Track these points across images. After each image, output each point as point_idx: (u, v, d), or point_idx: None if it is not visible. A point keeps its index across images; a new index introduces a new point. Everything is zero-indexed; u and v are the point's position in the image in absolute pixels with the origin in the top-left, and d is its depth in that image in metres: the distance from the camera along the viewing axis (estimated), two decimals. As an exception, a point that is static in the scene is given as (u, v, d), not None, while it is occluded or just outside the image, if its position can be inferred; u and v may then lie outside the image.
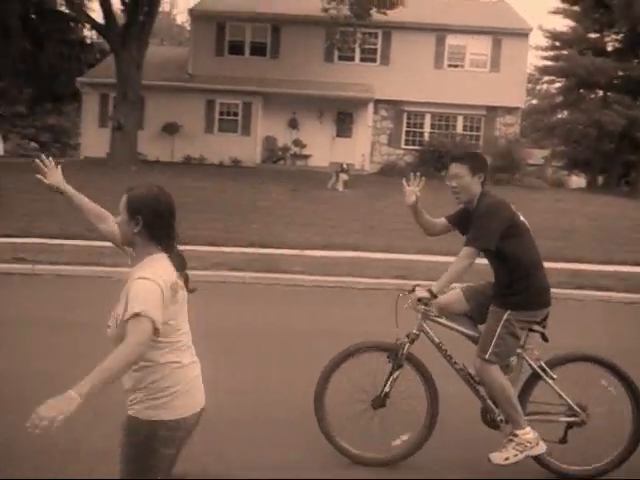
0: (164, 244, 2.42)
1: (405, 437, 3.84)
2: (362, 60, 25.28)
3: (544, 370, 3.70)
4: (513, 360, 3.72)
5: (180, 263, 2.43)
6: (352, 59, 25.19)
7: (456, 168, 3.68)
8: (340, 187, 19.78)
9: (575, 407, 3.71)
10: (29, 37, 27.77)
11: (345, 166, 20.45)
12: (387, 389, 3.76)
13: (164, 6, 35.18)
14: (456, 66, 25.29)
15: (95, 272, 9.47)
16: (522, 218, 3.65)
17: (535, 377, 3.73)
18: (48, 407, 1.93)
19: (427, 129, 25.60)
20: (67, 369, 4.35)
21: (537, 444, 3.62)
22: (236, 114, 25.07)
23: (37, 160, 2.89)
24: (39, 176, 2.87)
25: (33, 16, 28.10)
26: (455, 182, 3.68)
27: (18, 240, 10.82)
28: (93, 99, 25.47)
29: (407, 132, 25.75)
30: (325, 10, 21.14)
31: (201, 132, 24.87)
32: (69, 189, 2.88)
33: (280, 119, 24.99)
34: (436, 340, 3.79)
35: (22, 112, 37.27)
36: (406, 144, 25.69)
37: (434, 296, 3.60)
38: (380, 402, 3.78)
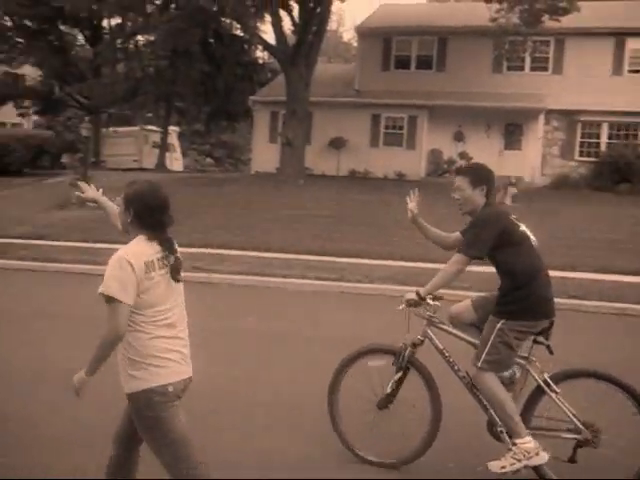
0: (153, 231, 2.79)
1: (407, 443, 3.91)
2: (532, 69, 24.39)
3: (548, 384, 3.63)
4: (516, 373, 3.72)
5: (168, 247, 2.79)
6: (522, 69, 24.39)
7: (458, 181, 3.80)
8: (508, 201, 19.16)
9: (578, 424, 3.57)
10: (208, 60, 30.06)
11: (513, 180, 19.80)
12: (388, 390, 3.88)
13: (331, 24, 36.35)
14: (637, 71, 23.56)
15: (264, 282, 10.02)
16: (523, 228, 3.70)
17: (540, 391, 3.67)
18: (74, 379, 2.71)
19: (604, 139, 24.06)
20: (249, 374, 4.67)
21: (537, 454, 3.53)
22: (401, 128, 25.27)
23: (77, 183, 3.85)
24: (77, 193, 3.61)
25: (211, 41, 30.34)
26: (458, 194, 3.79)
27: (196, 250, 11.74)
28: (264, 116, 26.94)
29: (581, 143, 24.37)
30: (493, 20, 20.69)
31: (366, 146, 25.35)
32: (103, 200, 3.54)
33: (446, 132, 24.80)
34: (440, 346, 3.85)
35: (200, 130, 40.34)
36: (580, 155, 24.33)
37: (421, 298, 3.71)
38: (384, 403, 3.91)
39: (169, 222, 2.87)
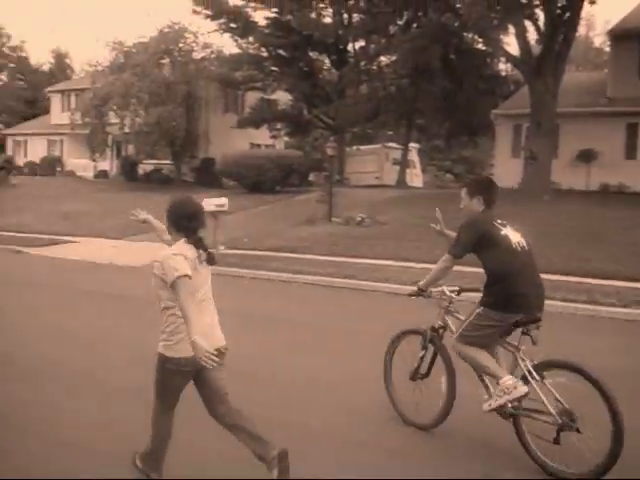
0: (186, 235, 3.59)
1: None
2: None
3: (530, 372, 4.15)
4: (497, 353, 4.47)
5: (201, 246, 3.61)
6: None
7: (462, 192, 4.54)
8: None
9: (552, 410, 3.99)
10: (449, 76, 30.24)
11: None
12: (415, 365, 4.89)
13: (580, 30, 34.31)
14: None
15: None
16: (504, 233, 4.26)
17: (525, 378, 4.16)
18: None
19: None
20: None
21: (515, 388, 4.11)
22: (662, 137, 22.96)
23: (134, 213, 4.69)
24: (133, 217, 4.66)
25: (452, 57, 30.47)
26: (462, 204, 4.53)
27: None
28: (506, 130, 26.34)
29: None
30: None
31: (621, 158, 23.46)
32: (151, 219, 4.53)
33: None
34: (454, 330, 4.62)
35: (439, 146, 40.62)
36: None
37: (421, 290, 4.64)
38: (412, 375, 4.91)
39: (198, 226, 3.67)
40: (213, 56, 32.84)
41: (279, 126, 35.93)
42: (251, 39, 32.88)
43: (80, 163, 37.82)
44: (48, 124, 42.38)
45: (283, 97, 35.88)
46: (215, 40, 34.02)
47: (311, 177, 30.91)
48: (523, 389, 4.12)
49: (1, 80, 76.17)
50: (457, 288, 4.85)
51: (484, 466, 4.23)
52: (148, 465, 3.85)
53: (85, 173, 37.08)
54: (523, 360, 4.25)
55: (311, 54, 34.03)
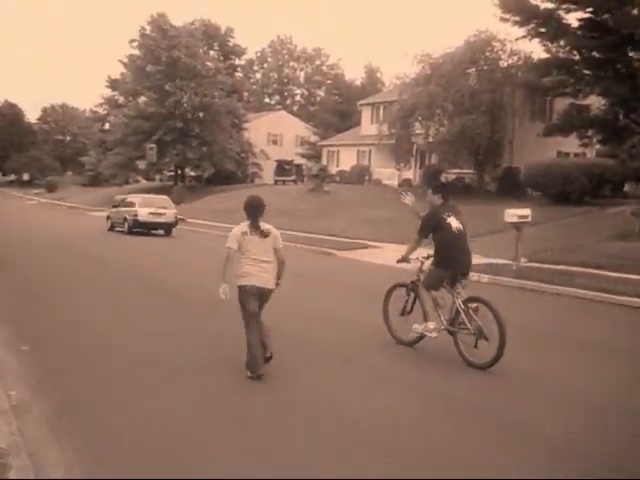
0: (248, 218, 6.42)
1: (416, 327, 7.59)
2: None
3: (460, 305, 7.08)
4: (442, 298, 7.38)
5: (255, 226, 6.41)
6: None
7: (427, 191, 7.70)
8: None
9: (471, 328, 6.94)
10: None
11: None
12: (402, 305, 7.84)
13: None
14: None
15: None
16: (449, 221, 7.20)
17: (457, 309, 7.11)
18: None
19: None
20: None
21: (431, 331, 7.28)
22: None
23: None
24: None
25: None
26: (427, 198, 7.64)
27: None
28: None
29: None
30: None
31: None
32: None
33: None
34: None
35: None
36: None
37: (404, 258, 7.63)
38: (401, 312, 7.82)
39: (256, 214, 6.53)
40: (520, 63, 32.40)
41: (590, 133, 33.94)
42: (562, 42, 31.67)
43: (386, 172, 40.27)
44: (358, 135, 45.92)
45: (595, 102, 33.85)
46: (523, 46, 33.24)
47: (627, 188, 28.67)
48: (434, 335, 7.33)
49: (319, 95, 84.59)
50: (426, 255, 7.65)
51: (437, 366, 7.16)
52: (252, 369, 6.32)
53: (390, 182, 39.36)
54: (457, 298, 7.18)
55: (631, 54, 31.51)
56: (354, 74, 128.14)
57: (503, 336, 6.58)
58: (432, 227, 7.32)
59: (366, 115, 45.94)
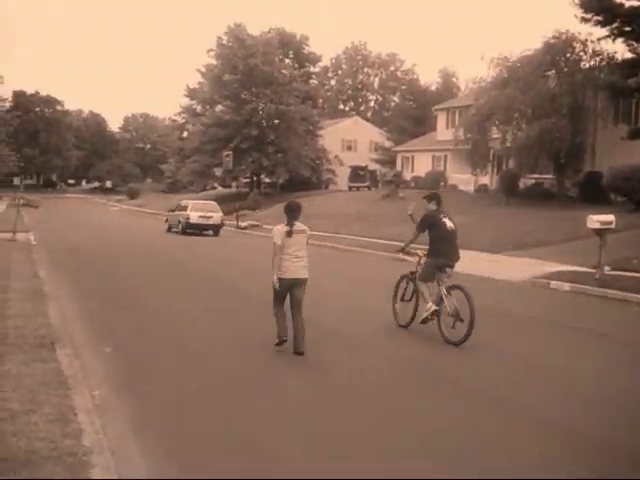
0: (287, 218, 7.79)
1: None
2: None
3: (444, 291, 8.65)
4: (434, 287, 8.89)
5: (291, 226, 7.76)
6: None
7: (425, 200, 9.27)
8: None
9: (450, 310, 8.49)
10: None
11: None
12: (402, 293, 9.56)
13: None
14: None
15: None
16: (444, 220, 8.84)
17: (441, 295, 8.71)
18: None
19: None
20: None
21: (429, 308, 8.76)
22: None
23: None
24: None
25: None
26: (427, 206, 9.19)
27: None
28: None
29: None
30: None
31: None
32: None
33: None
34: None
35: None
36: None
37: (403, 249, 9.29)
38: (402, 299, 9.54)
39: (294, 217, 7.83)
40: (603, 64, 31.33)
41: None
42: (648, 41, 30.44)
43: (462, 178, 39.72)
44: (433, 141, 45.52)
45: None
46: (605, 46, 32.10)
47: None
48: (433, 308, 8.74)
49: (393, 101, 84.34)
50: (426, 251, 9.09)
51: (422, 344, 8.67)
52: (280, 333, 7.79)
53: (466, 187, 38.80)
54: (442, 285, 8.74)
55: None
56: (429, 79, 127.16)
57: (472, 315, 8.13)
58: (428, 225, 8.99)
59: (441, 120, 45.49)
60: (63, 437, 4.65)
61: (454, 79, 63.68)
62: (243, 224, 35.01)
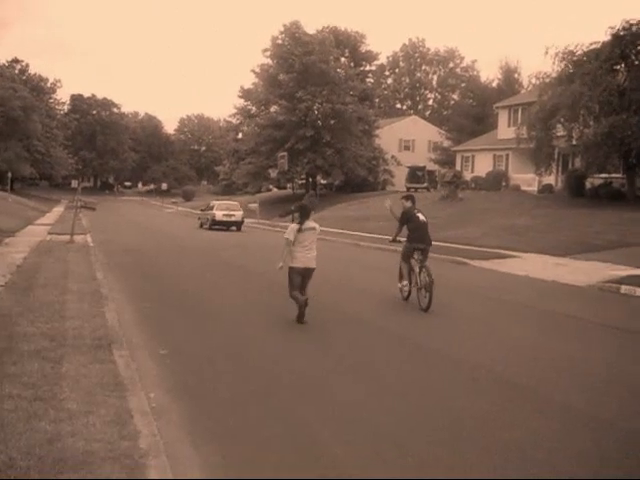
0: (301, 219, 9.59)
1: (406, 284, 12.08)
2: None
3: (418, 268, 11.41)
4: (414, 266, 11.68)
5: (302, 224, 9.55)
6: None
7: (404, 200, 12.41)
8: None
9: (421, 284, 11.22)
10: None
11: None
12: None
13: None
14: None
15: None
16: (417, 214, 11.84)
17: (416, 271, 11.51)
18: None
19: None
20: None
21: (402, 287, 11.97)
22: None
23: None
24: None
25: None
26: (403, 204, 12.22)
27: None
28: None
29: None
30: None
31: None
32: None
33: None
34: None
35: None
36: None
37: (394, 239, 12.33)
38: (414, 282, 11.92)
39: (305, 216, 9.63)
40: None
41: None
42: None
43: (525, 177, 38.97)
44: (494, 139, 44.81)
45: None
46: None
47: None
48: (405, 289, 11.87)
49: (453, 99, 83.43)
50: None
51: (407, 310, 11.34)
52: (300, 315, 9.50)
53: (529, 188, 38.05)
54: (416, 265, 11.46)
55: None
56: (490, 75, 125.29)
57: (432, 286, 10.92)
58: (407, 219, 11.89)
59: (503, 118, 44.75)
60: (120, 439, 4.75)
61: (516, 75, 62.48)
62: (297, 226, 35.38)
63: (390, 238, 12.67)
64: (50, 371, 6.24)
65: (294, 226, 9.65)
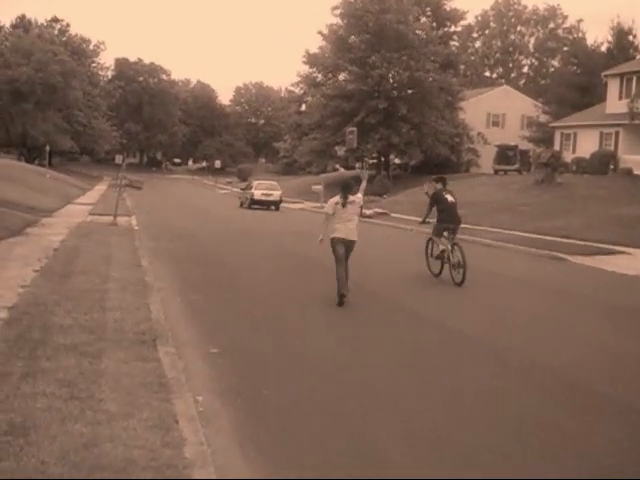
0: (342, 193, 11.33)
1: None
2: None
3: (449, 247, 13.63)
4: (443, 244, 13.87)
5: (345, 197, 11.25)
6: None
7: (432, 182, 15.02)
8: None
9: (453, 260, 13.47)
10: None
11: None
12: (430, 251, 14.76)
13: None
14: None
15: None
16: (446, 196, 14.07)
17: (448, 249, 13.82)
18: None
19: None
20: None
21: (439, 249, 14.03)
22: None
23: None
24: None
25: None
26: (434, 187, 14.70)
27: None
28: None
29: None
30: None
31: None
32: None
33: None
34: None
35: None
36: None
37: (424, 221, 14.62)
38: (431, 254, 14.60)
39: (348, 192, 11.27)
40: None
41: None
42: None
43: (638, 160, 37.69)
44: (602, 114, 43.48)
45: None
46: None
47: None
48: (442, 248, 13.79)
49: (553, 66, 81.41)
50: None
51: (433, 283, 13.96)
52: (339, 290, 10.82)
53: (643, 171, 36.79)
54: (448, 242, 13.66)
55: None
56: (598, 38, 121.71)
57: (464, 261, 13.13)
58: (436, 200, 14.08)
59: (613, 89, 43.33)
60: (163, 446, 4.81)
61: (630, 37, 60.48)
62: (368, 212, 35.08)
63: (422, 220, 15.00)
64: (88, 367, 6.39)
65: (333, 200, 11.50)
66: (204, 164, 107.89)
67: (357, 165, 49.61)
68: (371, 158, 56.49)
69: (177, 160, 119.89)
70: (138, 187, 26.69)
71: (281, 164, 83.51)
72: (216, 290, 12.05)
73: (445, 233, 13.92)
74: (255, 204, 39.07)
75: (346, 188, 11.45)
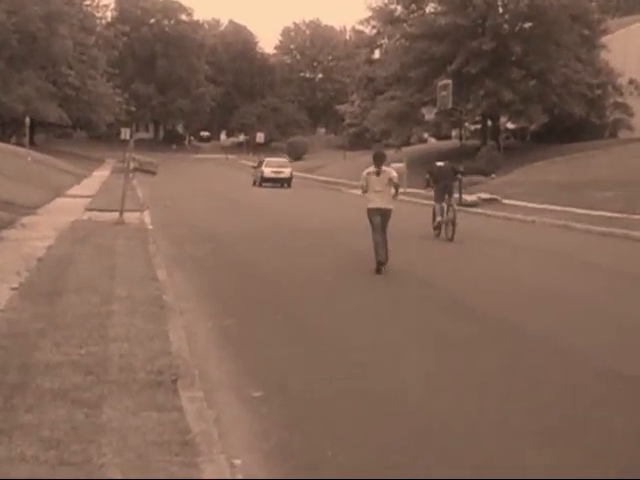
0: (375, 164, 16.85)
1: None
2: None
3: (444, 207, 23.63)
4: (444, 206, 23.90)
5: (378, 168, 16.64)
6: None
7: (438, 163, 27.51)
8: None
9: (448, 219, 23.08)
10: None
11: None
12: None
13: None
14: None
15: None
16: (437, 164, 26.10)
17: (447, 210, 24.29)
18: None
19: None
20: None
21: (436, 221, 24.13)
22: None
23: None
24: None
25: None
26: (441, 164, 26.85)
27: None
28: None
29: None
30: None
31: None
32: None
33: None
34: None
35: None
36: None
37: (428, 185, 25.77)
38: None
39: (380, 162, 16.64)
40: None
41: None
42: None
43: None
44: None
45: None
46: None
47: None
48: (438, 220, 23.62)
49: None
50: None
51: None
52: (377, 257, 15.76)
53: None
54: (445, 203, 23.58)
55: None
56: None
57: (454, 222, 21.92)
58: (430, 172, 24.18)
59: None
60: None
61: None
62: (470, 198, 34.63)
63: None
64: (83, 421, 6.38)
65: (365, 172, 16.49)
66: (242, 138, 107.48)
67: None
68: (473, 123, 56.07)
69: (205, 134, 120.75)
70: (152, 172, 26.77)
71: (347, 135, 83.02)
72: (258, 312, 12.05)
73: (445, 196, 23.43)
74: (265, 181, 53.11)
75: (378, 160, 16.37)
